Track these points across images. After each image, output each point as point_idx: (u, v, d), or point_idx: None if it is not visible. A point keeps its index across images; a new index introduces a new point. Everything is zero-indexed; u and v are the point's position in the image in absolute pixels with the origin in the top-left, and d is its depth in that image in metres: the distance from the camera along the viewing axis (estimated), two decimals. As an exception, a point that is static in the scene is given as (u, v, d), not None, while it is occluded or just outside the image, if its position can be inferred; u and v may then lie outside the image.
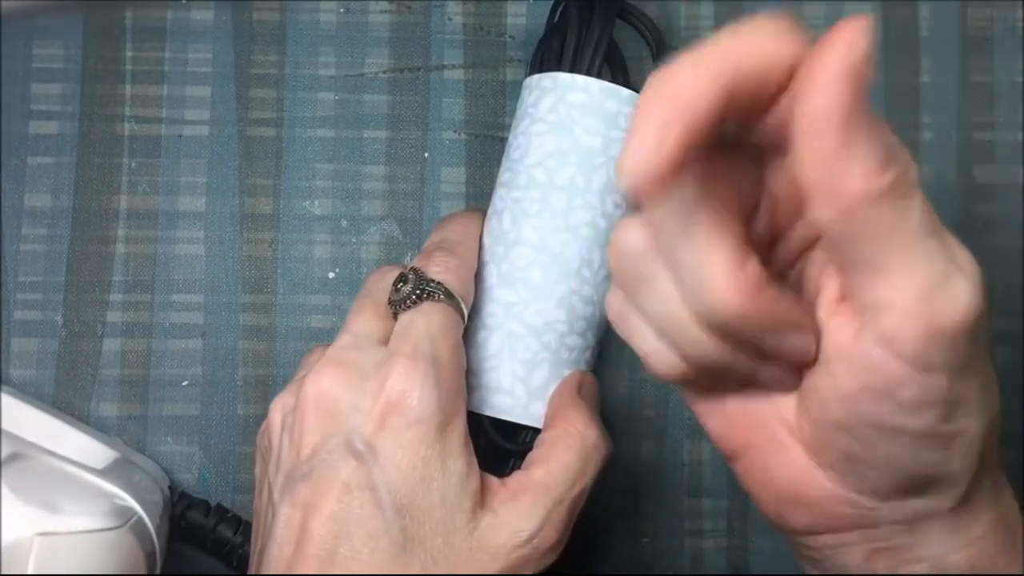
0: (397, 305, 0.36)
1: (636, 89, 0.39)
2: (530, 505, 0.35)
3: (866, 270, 0.25)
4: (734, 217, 0.27)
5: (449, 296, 0.36)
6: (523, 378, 0.37)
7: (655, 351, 0.29)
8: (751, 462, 0.31)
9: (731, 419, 0.31)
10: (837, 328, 0.27)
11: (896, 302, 0.25)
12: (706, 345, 0.27)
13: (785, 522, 0.31)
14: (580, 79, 0.38)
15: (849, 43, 0.23)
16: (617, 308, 0.30)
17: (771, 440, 0.30)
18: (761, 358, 0.28)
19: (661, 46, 0.40)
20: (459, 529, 0.34)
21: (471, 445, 0.35)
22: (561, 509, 0.35)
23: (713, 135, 0.24)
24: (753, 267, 0.26)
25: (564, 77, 0.38)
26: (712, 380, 0.29)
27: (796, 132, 0.23)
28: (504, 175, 0.40)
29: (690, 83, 0.24)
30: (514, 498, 0.35)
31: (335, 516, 0.33)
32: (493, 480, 0.35)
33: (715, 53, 0.24)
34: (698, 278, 0.26)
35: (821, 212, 0.24)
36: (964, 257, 0.25)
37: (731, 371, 0.28)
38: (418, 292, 0.36)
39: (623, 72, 0.41)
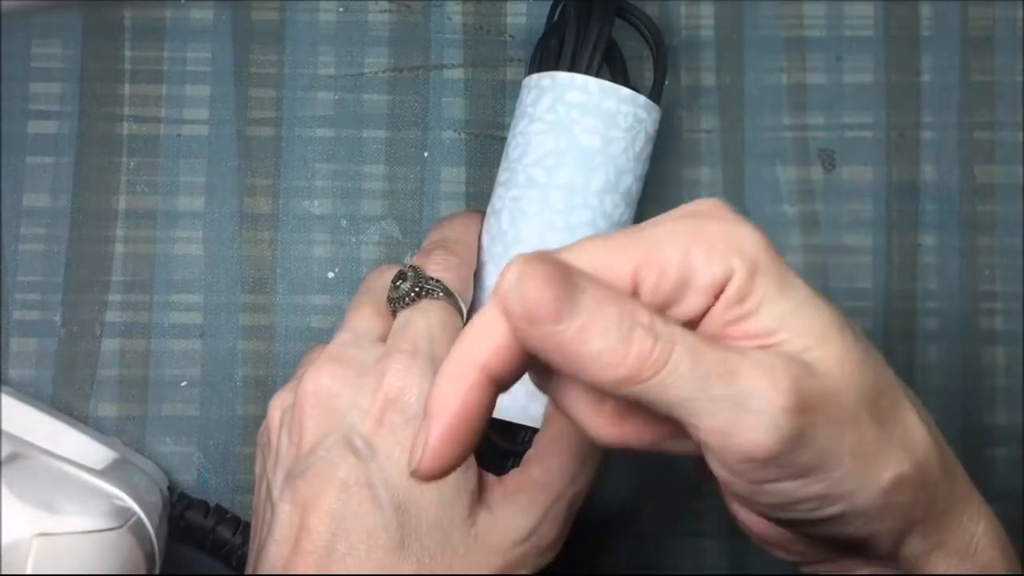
0: (396, 303, 0.36)
1: (636, 89, 0.39)
2: (527, 503, 0.35)
3: (670, 415, 0.26)
4: None
5: (448, 294, 0.36)
6: (524, 379, 0.37)
7: None
8: (728, 506, 0.31)
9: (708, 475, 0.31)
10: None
11: (703, 440, 0.26)
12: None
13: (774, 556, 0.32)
14: (579, 78, 0.38)
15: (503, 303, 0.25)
16: None
17: None
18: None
19: (660, 45, 0.40)
20: (457, 526, 0.34)
21: None
22: (559, 507, 0.35)
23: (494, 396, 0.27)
24: (610, 405, 0.28)
25: (563, 76, 0.38)
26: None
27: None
28: (503, 174, 0.40)
29: (445, 397, 0.27)
30: (512, 496, 0.35)
31: (333, 513, 0.33)
32: (491, 478, 0.35)
33: (457, 364, 0.27)
34: (573, 416, 0.29)
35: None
36: (759, 386, 0.25)
37: None
38: (417, 290, 0.36)
39: (623, 71, 0.41)
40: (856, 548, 0.29)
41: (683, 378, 0.25)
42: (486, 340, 0.27)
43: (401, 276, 0.37)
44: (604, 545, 0.42)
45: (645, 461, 0.43)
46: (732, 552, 0.43)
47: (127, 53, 0.44)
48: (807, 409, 0.26)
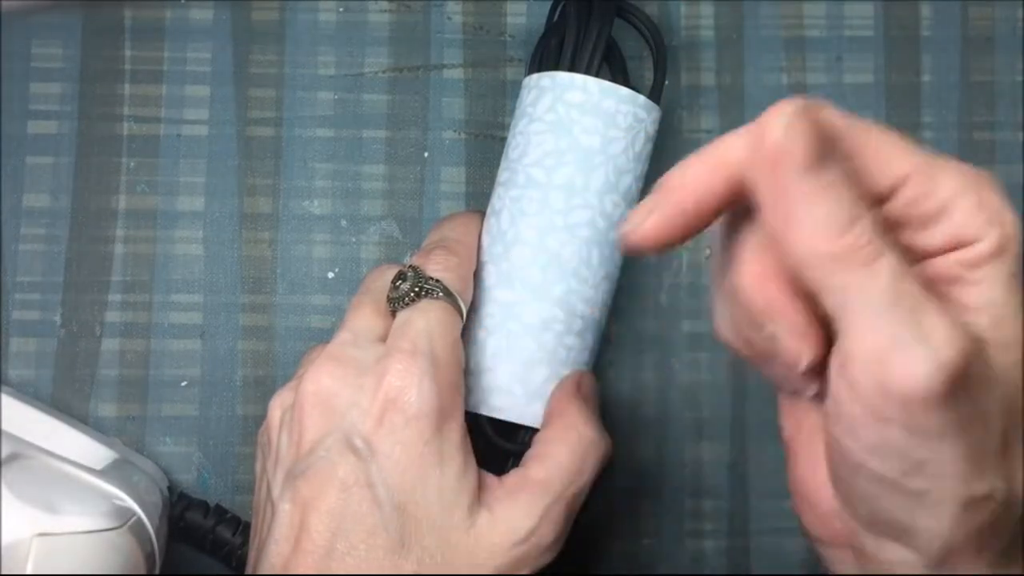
0: (396, 303, 0.36)
1: (636, 88, 0.39)
2: (527, 503, 0.35)
3: (836, 316, 0.26)
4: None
5: (448, 294, 0.36)
6: (521, 378, 0.37)
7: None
8: (790, 456, 0.31)
9: (784, 410, 0.31)
10: (832, 356, 0.27)
11: (855, 354, 0.26)
12: (726, 324, 0.30)
13: (800, 523, 0.31)
14: (579, 78, 0.38)
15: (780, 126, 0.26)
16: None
17: (807, 443, 0.30)
18: (760, 354, 0.29)
19: (660, 45, 0.40)
20: (456, 526, 0.34)
21: (469, 443, 0.35)
22: (559, 507, 0.35)
23: (722, 209, 0.28)
24: (768, 261, 0.28)
25: (563, 76, 0.38)
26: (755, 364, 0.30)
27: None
28: (503, 174, 0.40)
29: (682, 181, 0.28)
30: (511, 496, 0.35)
31: (333, 512, 0.33)
32: (491, 478, 0.35)
33: (706, 156, 0.28)
34: (732, 252, 0.29)
35: (790, 261, 0.27)
36: (939, 332, 0.25)
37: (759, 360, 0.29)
38: (416, 290, 0.36)
39: (622, 71, 0.41)
40: (900, 534, 0.28)
41: (874, 286, 0.25)
42: (735, 152, 0.27)
43: (401, 276, 0.37)
44: (603, 545, 0.42)
45: (644, 460, 0.43)
46: (731, 552, 0.43)
47: (127, 53, 0.44)
48: (971, 374, 0.25)
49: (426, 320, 0.35)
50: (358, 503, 0.33)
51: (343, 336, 0.36)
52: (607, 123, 0.38)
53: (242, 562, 0.40)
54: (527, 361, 0.37)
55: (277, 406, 0.36)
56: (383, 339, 0.36)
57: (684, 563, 0.43)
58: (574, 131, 0.38)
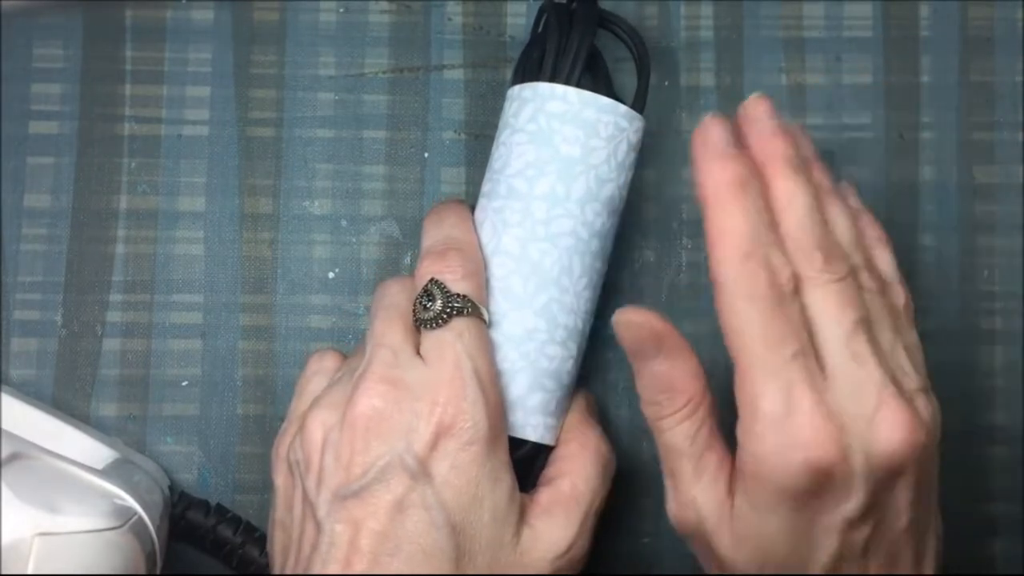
0: (426, 324, 0.36)
1: (619, 99, 0.39)
2: (564, 517, 0.36)
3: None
4: None
5: (475, 307, 0.36)
6: (503, 388, 0.37)
7: None
8: None
9: None
10: None
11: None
12: None
13: None
14: (559, 88, 0.38)
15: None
16: None
17: None
18: None
19: (643, 54, 0.40)
20: (506, 544, 0.35)
21: (510, 460, 0.36)
22: (589, 519, 0.37)
23: None
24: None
25: (543, 87, 0.38)
26: None
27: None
28: (486, 185, 0.39)
29: None
30: (548, 511, 0.36)
31: (387, 534, 0.33)
32: (524, 496, 0.36)
33: None
34: None
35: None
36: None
37: None
38: (448, 310, 0.36)
39: (606, 81, 0.41)
40: None
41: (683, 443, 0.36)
42: None
43: (428, 295, 0.36)
44: (603, 544, 0.42)
45: (644, 460, 0.43)
46: (732, 552, 0.43)
47: (128, 54, 0.44)
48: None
49: (462, 341, 0.35)
50: (413, 525, 0.33)
51: (383, 355, 0.36)
52: (588, 133, 0.38)
53: (242, 562, 0.40)
54: (508, 371, 0.37)
55: (318, 425, 0.35)
56: (419, 353, 0.36)
57: (684, 563, 0.43)
58: (555, 141, 0.38)
